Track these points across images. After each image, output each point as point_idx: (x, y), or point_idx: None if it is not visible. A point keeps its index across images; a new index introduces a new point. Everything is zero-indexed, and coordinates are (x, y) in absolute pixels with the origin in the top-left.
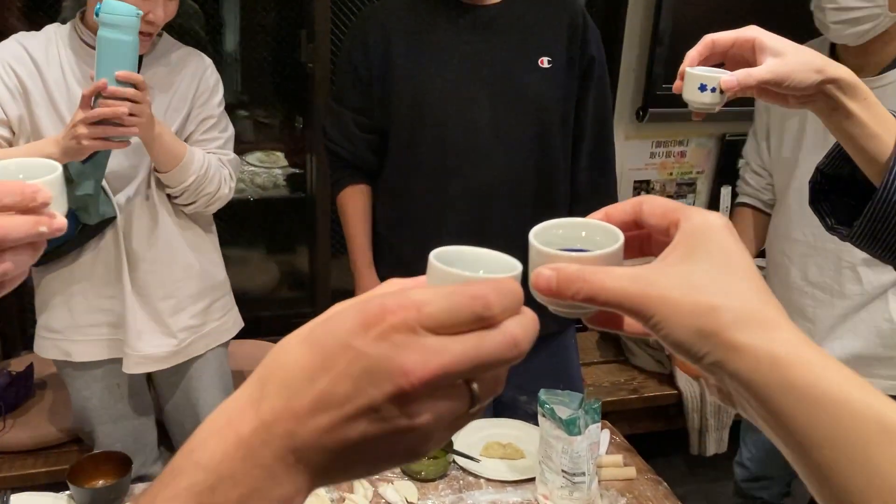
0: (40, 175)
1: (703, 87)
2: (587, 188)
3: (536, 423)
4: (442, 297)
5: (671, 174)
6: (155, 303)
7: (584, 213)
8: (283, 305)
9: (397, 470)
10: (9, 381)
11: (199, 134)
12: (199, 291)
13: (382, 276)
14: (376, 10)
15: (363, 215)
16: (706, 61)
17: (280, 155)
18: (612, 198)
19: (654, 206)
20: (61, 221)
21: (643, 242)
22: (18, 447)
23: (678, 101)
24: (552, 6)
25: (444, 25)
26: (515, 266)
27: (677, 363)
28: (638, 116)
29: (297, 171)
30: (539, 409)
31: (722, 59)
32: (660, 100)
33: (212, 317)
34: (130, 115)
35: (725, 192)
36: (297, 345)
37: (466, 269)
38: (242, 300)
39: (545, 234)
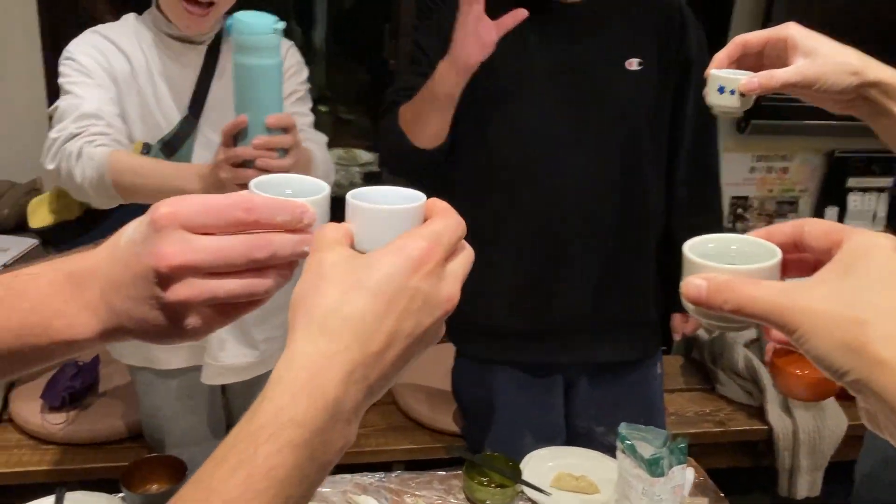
0: (306, 192)
1: (721, 90)
2: (686, 202)
3: (613, 456)
4: (446, 228)
5: (771, 191)
6: None
7: (683, 230)
8: None
9: (461, 496)
10: (75, 371)
11: (287, 105)
12: (286, 301)
13: None
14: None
15: None
16: (742, 63)
17: (359, 152)
18: (715, 213)
19: (817, 227)
20: None
21: (805, 266)
22: (79, 440)
23: (785, 112)
24: (645, 2)
25: (524, 25)
26: (419, 196)
27: (768, 367)
28: (739, 128)
29: (376, 169)
30: (618, 444)
31: (759, 60)
32: (764, 111)
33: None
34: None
35: (831, 213)
36: (352, 296)
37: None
38: None
39: (699, 248)
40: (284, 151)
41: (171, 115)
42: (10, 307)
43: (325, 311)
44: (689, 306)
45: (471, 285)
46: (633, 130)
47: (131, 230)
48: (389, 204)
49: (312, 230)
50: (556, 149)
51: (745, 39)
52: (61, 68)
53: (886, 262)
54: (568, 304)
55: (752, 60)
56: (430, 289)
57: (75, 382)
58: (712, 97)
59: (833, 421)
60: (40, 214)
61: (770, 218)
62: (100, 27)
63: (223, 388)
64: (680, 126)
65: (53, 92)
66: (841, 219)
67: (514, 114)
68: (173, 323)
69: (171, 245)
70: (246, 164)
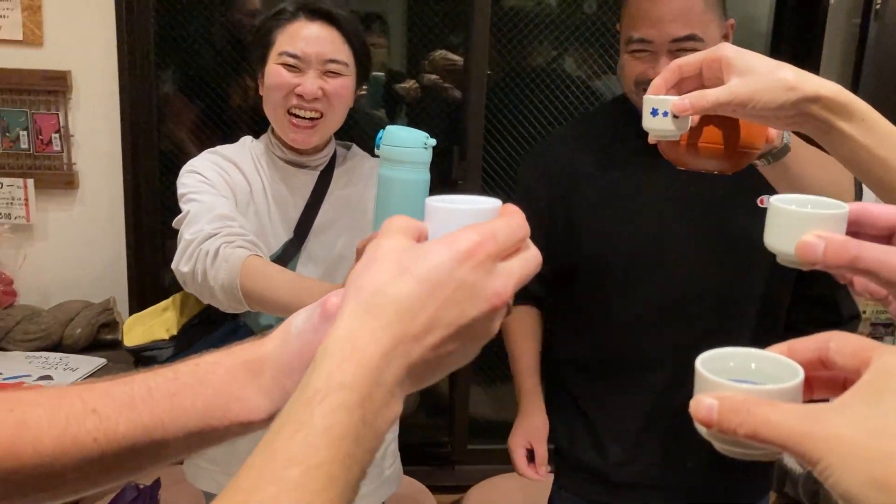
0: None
1: (654, 112)
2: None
3: None
4: (505, 226)
5: (864, 312)
6: None
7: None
8: (420, 432)
9: None
10: (135, 494)
11: None
12: (384, 453)
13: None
14: (563, 134)
15: (532, 336)
16: (683, 89)
17: None
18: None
19: (844, 344)
20: None
21: (834, 385)
22: None
23: None
24: None
25: (641, 157)
26: (495, 201)
27: None
28: None
29: None
30: None
31: (700, 85)
32: None
33: (387, 462)
34: None
35: None
36: (401, 280)
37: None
38: None
39: (714, 363)
40: None
41: (279, 236)
42: (195, 393)
43: (373, 290)
44: (700, 429)
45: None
46: (765, 273)
47: (301, 321)
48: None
49: None
50: (680, 290)
51: (680, 63)
52: (183, 180)
53: None
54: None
55: (692, 85)
56: (477, 281)
57: None
58: (646, 121)
59: None
60: (136, 333)
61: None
62: (218, 148)
63: None
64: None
65: (131, 216)
66: None
67: (629, 257)
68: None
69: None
70: None
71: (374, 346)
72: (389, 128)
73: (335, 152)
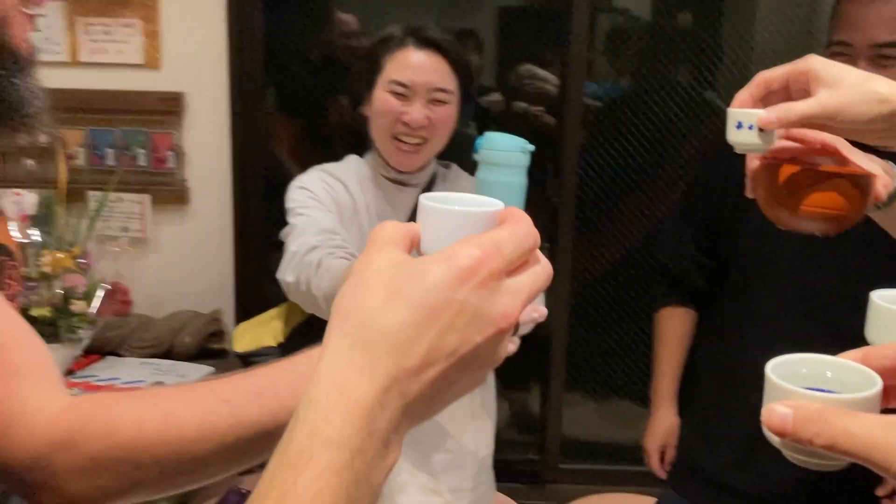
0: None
1: (739, 125)
2: None
3: None
4: (510, 237)
5: None
6: (428, 453)
7: None
8: (511, 449)
9: None
10: (237, 499)
11: None
12: (476, 451)
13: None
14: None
15: (680, 341)
16: (769, 102)
17: None
18: None
19: None
20: None
21: None
22: None
23: None
24: None
25: None
26: (496, 202)
27: None
28: None
29: None
30: None
31: (786, 97)
32: None
33: (481, 479)
34: None
35: None
36: (392, 306)
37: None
38: None
39: (785, 369)
40: None
41: None
42: (298, 389)
43: (361, 319)
44: (773, 438)
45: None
46: None
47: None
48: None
49: None
50: (825, 306)
51: (766, 76)
52: (292, 195)
53: None
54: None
55: (779, 98)
56: (480, 302)
57: None
58: (730, 134)
59: None
60: (245, 339)
61: None
62: (326, 165)
63: None
64: None
65: (239, 230)
66: None
67: (781, 260)
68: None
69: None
70: None
71: (365, 388)
72: (489, 133)
73: (436, 171)
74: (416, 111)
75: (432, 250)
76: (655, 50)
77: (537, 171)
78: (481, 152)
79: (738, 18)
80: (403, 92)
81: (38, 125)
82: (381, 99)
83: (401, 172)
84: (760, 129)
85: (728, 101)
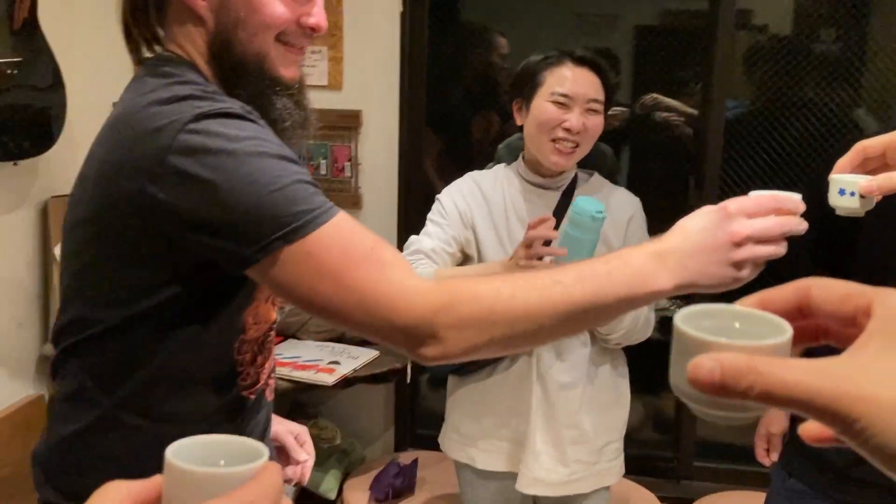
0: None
1: (842, 192)
2: None
3: None
4: (253, 490)
5: None
6: (559, 429)
7: None
8: (644, 446)
9: None
10: (396, 471)
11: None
12: (606, 428)
13: None
14: None
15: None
16: (865, 168)
17: None
18: None
19: (830, 291)
20: None
21: (808, 334)
22: None
23: None
24: None
25: None
26: (262, 452)
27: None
28: None
29: None
30: None
31: (883, 164)
32: None
33: (605, 457)
34: None
35: None
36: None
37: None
38: None
39: (691, 322)
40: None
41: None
42: (622, 272)
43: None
44: (688, 392)
45: None
46: None
47: (701, 219)
48: (218, 463)
49: None
50: None
51: (865, 146)
52: (434, 205)
53: None
54: None
55: (874, 164)
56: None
57: (397, 481)
58: (833, 199)
59: None
60: None
61: None
62: (473, 173)
63: (535, 499)
64: None
65: (402, 234)
66: None
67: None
68: (733, 276)
69: (741, 226)
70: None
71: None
72: (578, 199)
73: (576, 175)
74: (575, 118)
75: None
76: (796, 67)
77: (677, 182)
78: (570, 213)
79: (885, 35)
80: (564, 101)
81: (293, 139)
82: (543, 108)
83: (544, 177)
84: (862, 196)
85: (874, 116)
